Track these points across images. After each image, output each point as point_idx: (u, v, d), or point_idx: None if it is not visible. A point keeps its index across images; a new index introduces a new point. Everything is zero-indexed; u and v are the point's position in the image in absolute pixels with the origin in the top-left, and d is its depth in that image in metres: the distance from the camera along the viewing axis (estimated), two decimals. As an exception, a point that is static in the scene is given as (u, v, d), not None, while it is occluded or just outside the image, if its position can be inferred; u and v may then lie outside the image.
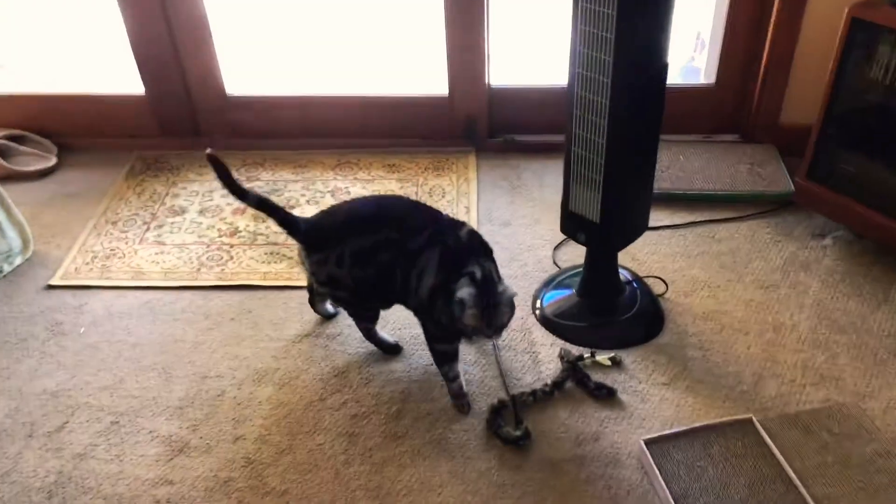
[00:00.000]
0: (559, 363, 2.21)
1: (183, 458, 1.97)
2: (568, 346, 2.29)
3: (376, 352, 2.27)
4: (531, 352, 2.27)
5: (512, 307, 1.78)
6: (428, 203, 2.25)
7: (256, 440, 2.01)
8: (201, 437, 2.03)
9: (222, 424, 2.06)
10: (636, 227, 2.21)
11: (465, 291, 1.70)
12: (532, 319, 2.41)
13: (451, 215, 1.93)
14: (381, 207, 1.95)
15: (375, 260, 1.83)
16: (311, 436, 2.02)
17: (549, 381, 2.13)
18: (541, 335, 2.35)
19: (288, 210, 2.05)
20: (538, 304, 2.45)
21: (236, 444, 2.01)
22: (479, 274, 1.74)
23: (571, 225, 2.18)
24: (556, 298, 2.47)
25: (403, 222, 1.84)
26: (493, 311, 1.73)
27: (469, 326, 1.73)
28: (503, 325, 1.78)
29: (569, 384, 2.14)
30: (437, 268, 1.79)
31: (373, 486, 1.89)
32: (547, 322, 2.39)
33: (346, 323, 2.40)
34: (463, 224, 1.87)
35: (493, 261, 1.84)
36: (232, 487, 1.89)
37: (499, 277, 1.80)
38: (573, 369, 2.16)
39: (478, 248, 1.82)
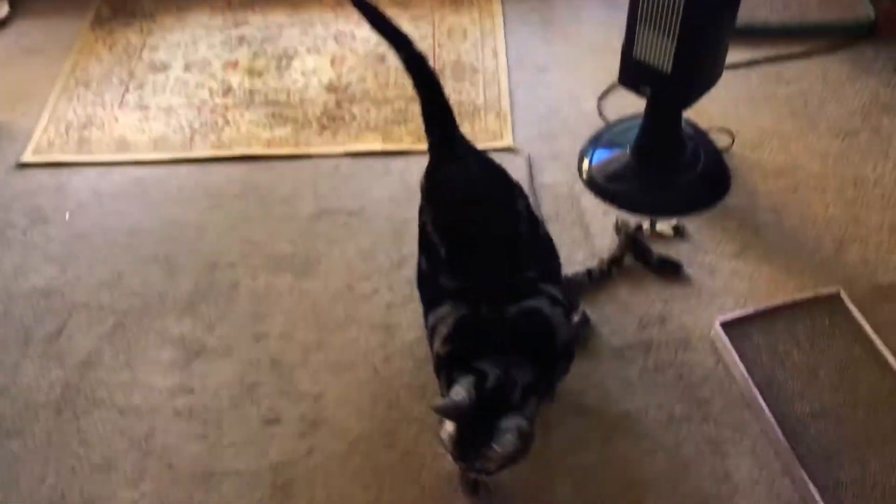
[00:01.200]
0: (615, 235, 1.99)
1: (201, 363, 1.80)
2: (624, 214, 2.05)
3: (406, 230, 2.04)
4: (581, 224, 2.05)
5: (509, 452, 1.15)
6: (449, 46, 1.85)
7: (281, 338, 1.84)
8: (219, 338, 1.85)
9: (240, 321, 1.88)
10: (711, 77, 1.91)
11: (450, 401, 1.17)
12: (579, 185, 2.16)
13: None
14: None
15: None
16: (341, 330, 1.85)
17: (605, 258, 1.92)
18: (591, 203, 2.11)
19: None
20: (585, 166, 2.19)
21: (259, 344, 1.83)
22: (490, 380, 1.19)
23: (634, 75, 1.88)
24: (605, 158, 2.22)
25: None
26: (474, 450, 1.17)
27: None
28: (484, 470, 1.20)
29: (628, 260, 1.94)
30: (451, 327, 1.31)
31: (418, 385, 1.73)
32: (597, 186, 2.14)
33: (367, 197, 2.15)
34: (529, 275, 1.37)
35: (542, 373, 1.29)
36: (260, 393, 1.73)
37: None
38: (632, 242, 1.95)
39: (519, 341, 1.27)
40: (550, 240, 1.57)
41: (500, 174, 1.50)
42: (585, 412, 1.61)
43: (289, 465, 1.60)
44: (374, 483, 1.56)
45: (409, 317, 1.83)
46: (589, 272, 1.88)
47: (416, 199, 2.13)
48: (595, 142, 2.26)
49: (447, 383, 1.26)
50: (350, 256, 2.00)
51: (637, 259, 1.93)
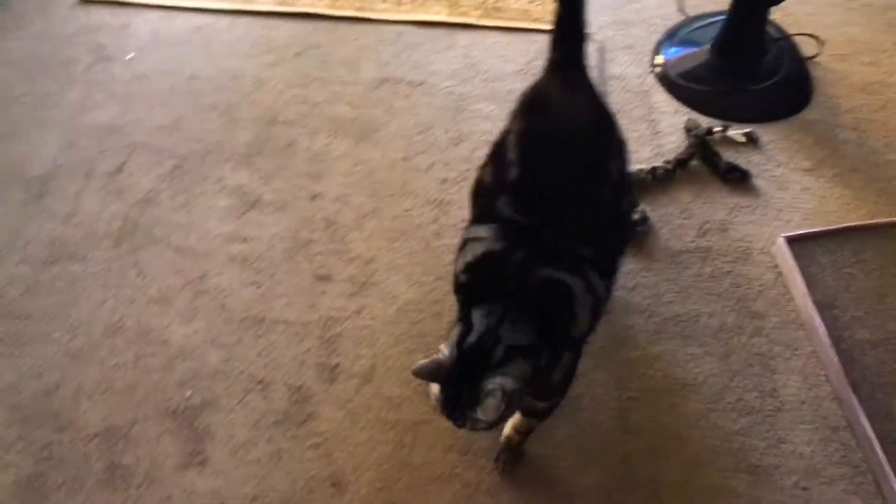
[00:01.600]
0: (684, 136, 1.95)
1: (256, 214, 1.84)
2: (695, 115, 2.00)
3: (465, 108, 2.02)
4: (650, 119, 2.00)
5: (491, 417, 1.07)
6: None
7: (336, 200, 1.86)
8: (274, 192, 1.88)
9: (297, 179, 1.90)
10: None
11: (430, 362, 1.09)
12: (651, 79, 2.10)
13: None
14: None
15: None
16: (396, 199, 1.86)
17: (671, 158, 1.89)
18: (662, 99, 2.05)
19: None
20: (660, 60, 2.12)
21: (314, 203, 1.86)
22: (472, 335, 1.10)
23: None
24: (682, 55, 2.14)
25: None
26: (460, 411, 1.09)
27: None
28: (476, 429, 1.12)
29: (694, 162, 1.91)
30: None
31: (467, 261, 1.75)
32: (670, 83, 2.08)
33: (429, 69, 2.12)
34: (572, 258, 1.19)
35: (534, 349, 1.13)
36: (312, 251, 1.77)
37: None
38: (701, 145, 1.91)
39: (532, 307, 1.14)
40: (628, 216, 1.38)
41: (609, 124, 1.33)
42: (634, 310, 1.63)
43: (337, 322, 1.65)
44: (419, 349, 1.61)
45: (462, 196, 1.83)
46: (653, 170, 1.85)
47: (479, 78, 2.12)
48: (672, 36, 2.18)
49: (460, 310, 1.20)
50: (409, 128, 1.99)
51: (704, 163, 1.90)
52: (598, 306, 1.23)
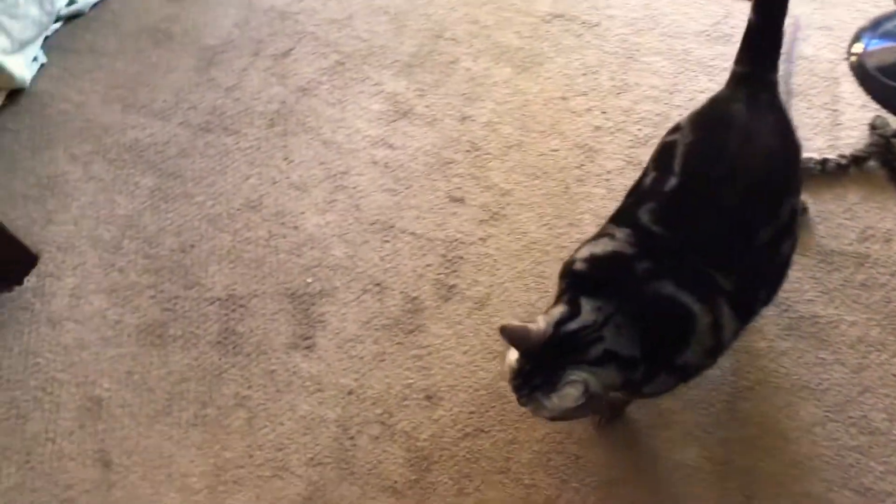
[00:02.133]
0: (867, 133, 1.81)
1: (406, 124, 1.87)
2: (885, 114, 1.85)
3: (637, 58, 1.96)
4: (832, 108, 1.87)
5: (566, 407, 1.05)
6: None
7: (486, 126, 1.85)
8: (427, 106, 1.89)
9: (451, 98, 1.90)
10: None
11: (522, 328, 1.08)
12: (843, 67, 1.95)
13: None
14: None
15: None
16: (545, 137, 1.84)
17: (847, 153, 1.76)
18: (850, 90, 1.91)
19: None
20: (857, 49, 1.97)
21: (463, 125, 1.86)
22: (575, 323, 1.06)
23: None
24: (885, 46, 1.97)
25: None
26: (530, 389, 1.06)
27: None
28: (534, 413, 1.11)
29: (872, 162, 1.77)
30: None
31: (604, 214, 1.71)
32: (864, 75, 1.93)
33: (606, 12, 2.06)
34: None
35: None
36: (452, 171, 1.78)
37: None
38: (885, 146, 1.77)
39: (642, 319, 1.08)
40: (785, 266, 1.24)
41: (793, 158, 1.23)
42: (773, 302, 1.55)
43: (461, 244, 1.66)
44: (536, 288, 1.61)
45: (614, 147, 1.79)
46: (824, 161, 1.74)
47: (657, 31, 2.04)
48: (878, 25, 2.01)
49: (561, 295, 1.15)
50: (572, 68, 1.95)
51: (883, 166, 1.76)
52: (718, 348, 1.13)
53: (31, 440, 1.49)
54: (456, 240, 1.68)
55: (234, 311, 1.62)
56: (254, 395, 1.52)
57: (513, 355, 1.06)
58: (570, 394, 1.01)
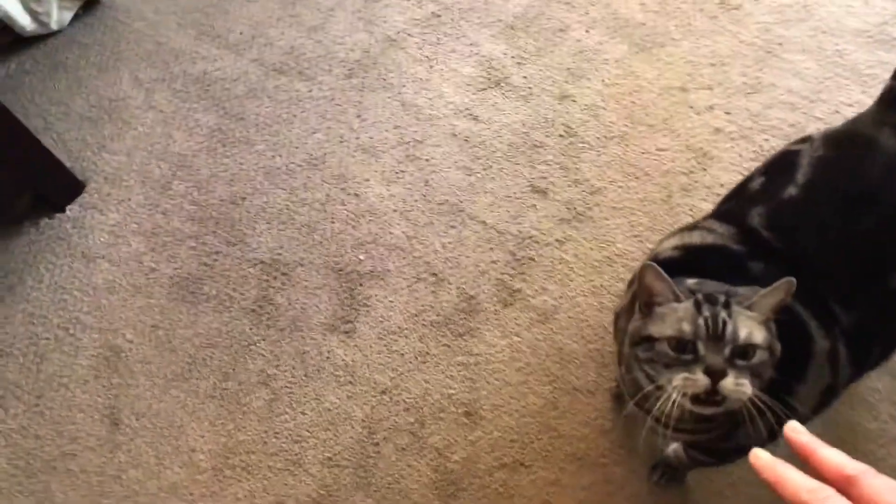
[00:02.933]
0: None
1: (496, 95, 1.67)
2: None
3: (780, 53, 1.69)
4: None
5: (738, 399, 0.84)
6: None
7: (587, 109, 1.64)
8: (524, 77, 1.69)
9: (553, 71, 1.69)
10: None
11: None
12: None
13: None
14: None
15: None
16: (653, 132, 1.63)
17: None
18: None
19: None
20: None
21: (562, 104, 1.65)
22: (707, 308, 0.86)
23: None
24: None
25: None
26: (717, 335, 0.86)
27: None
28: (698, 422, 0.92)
29: None
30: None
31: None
32: None
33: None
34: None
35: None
36: (539, 157, 1.59)
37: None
38: None
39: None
40: None
41: None
42: (888, 371, 1.31)
43: (535, 244, 1.48)
44: (613, 308, 1.41)
45: (733, 156, 1.55)
46: None
47: (808, 24, 1.76)
48: None
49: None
50: (700, 54, 1.70)
51: None
52: (834, 391, 0.96)
53: (45, 382, 1.42)
54: (530, 237, 1.50)
55: (275, 277, 1.49)
56: (280, 374, 1.40)
57: (683, 310, 0.87)
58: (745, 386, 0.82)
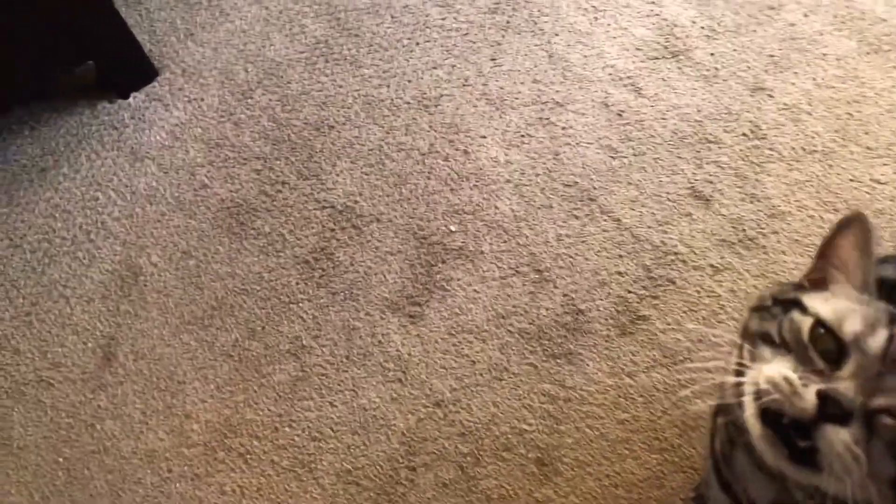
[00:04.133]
0: None
1: (671, 68, 1.35)
2: None
3: None
4: None
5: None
6: None
7: (786, 110, 1.30)
8: (712, 54, 1.36)
9: (752, 54, 1.35)
10: None
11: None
12: None
13: None
14: None
15: None
16: (869, 157, 1.28)
17: None
18: None
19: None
20: None
21: (754, 97, 1.34)
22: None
23: None
24: None
25: None
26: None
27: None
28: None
29: None
30: None
31: None
32: None
33: None
34: None
35: None
36: (710, 156, 1.27)
37: None
38: None
39: None
40: None
41: None
42: None
43: (681, 263, 1.14)
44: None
45: None
46: None
47: None
48: None
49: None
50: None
51: None
52: None
53: (45, 289, 1.19)
54: (675, 254, 1.14)
55: (343, 228, 1.21)
56: (317, 348, 1.11)
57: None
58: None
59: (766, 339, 0.58)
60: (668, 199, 1.22)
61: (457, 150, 1.29)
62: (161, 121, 1.35)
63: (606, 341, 1.09)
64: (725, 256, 1.15)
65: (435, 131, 1.31)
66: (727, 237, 1.16)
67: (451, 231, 1.21)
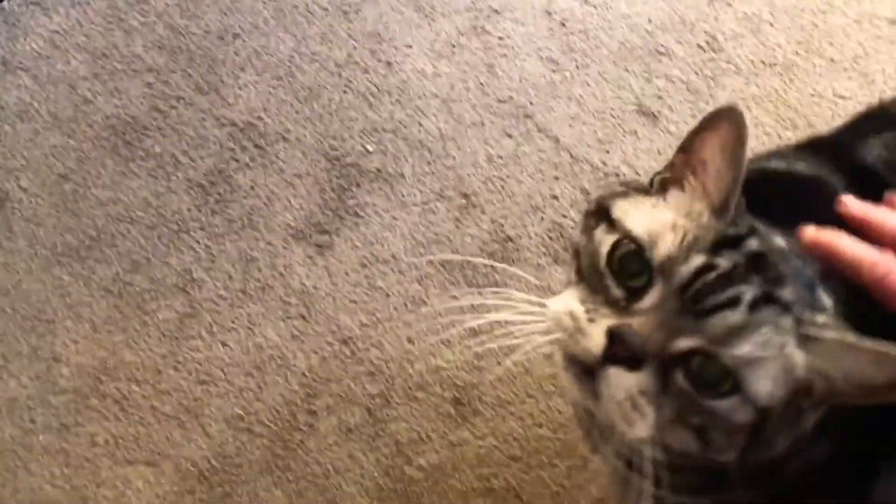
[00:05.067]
0: None
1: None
2: None
3: None
4: None
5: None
6: None
7: (746, 19, 1.21)
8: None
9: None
10: None
11: None
12: None
13: None
14: None
15: None
16: (834, 70, 1.21)
17: None
18: None
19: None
20: None
21: (710, 7, 1.21)
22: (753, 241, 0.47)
23: None
24: None
25: None
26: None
27: None
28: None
29: None
30: None
31: None
32: None
33: None
34: None
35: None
36: (659, 69, 1.19)
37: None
38: None
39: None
40: None
41: None
42: None
43: (625, 184, 1.01)
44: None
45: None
46: None
47: None
48: None
49: None
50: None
51: None
52: None
53: None
54: (618, 174, 1.05)
55: (244, 148, 1.08)
56: (209, 282, 0.99)
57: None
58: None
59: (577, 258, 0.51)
60: (612, 116, 1.11)
61: (379, 61, 1.16)
62: (39, 27, 1.20)
63: (537, 271, 0.98)
64: (673, 177, 1.04)
65: (354, 40, 1.18)
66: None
67: (368, 151, 1.09)
